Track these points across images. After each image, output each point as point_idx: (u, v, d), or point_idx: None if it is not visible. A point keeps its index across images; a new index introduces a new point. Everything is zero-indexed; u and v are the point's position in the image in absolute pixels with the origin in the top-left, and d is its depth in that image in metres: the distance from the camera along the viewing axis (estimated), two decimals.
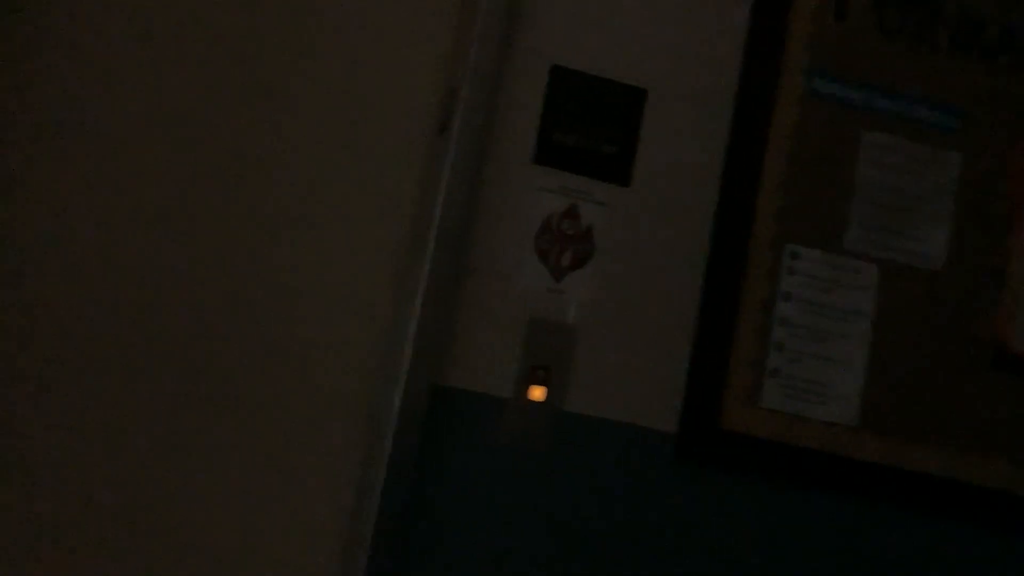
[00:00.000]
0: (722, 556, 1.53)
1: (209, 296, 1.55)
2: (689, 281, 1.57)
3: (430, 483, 1.45)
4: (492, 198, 1.52)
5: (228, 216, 1.57)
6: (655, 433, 1.53)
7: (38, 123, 1.53)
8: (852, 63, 1.65)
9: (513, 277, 1.52)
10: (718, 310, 1.55)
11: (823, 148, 1.62)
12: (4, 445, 1.48)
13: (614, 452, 1.52)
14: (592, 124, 1.56)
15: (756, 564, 1.54)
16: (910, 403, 1.60)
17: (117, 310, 1.53)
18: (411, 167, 1.62)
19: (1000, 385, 1.64)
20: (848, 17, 1.65)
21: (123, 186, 1.55)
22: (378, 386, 1.56)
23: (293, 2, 1.62)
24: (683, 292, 1.56)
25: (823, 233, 1.60)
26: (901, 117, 1.65)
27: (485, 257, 1.51)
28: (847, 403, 1.58)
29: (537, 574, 1.47)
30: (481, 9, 1.51)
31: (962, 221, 1.66)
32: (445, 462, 1.46)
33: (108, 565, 1.49)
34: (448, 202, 1.48)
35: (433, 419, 1.46)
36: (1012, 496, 1.61)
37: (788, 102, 1.61)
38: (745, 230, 1.57)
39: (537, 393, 1.49)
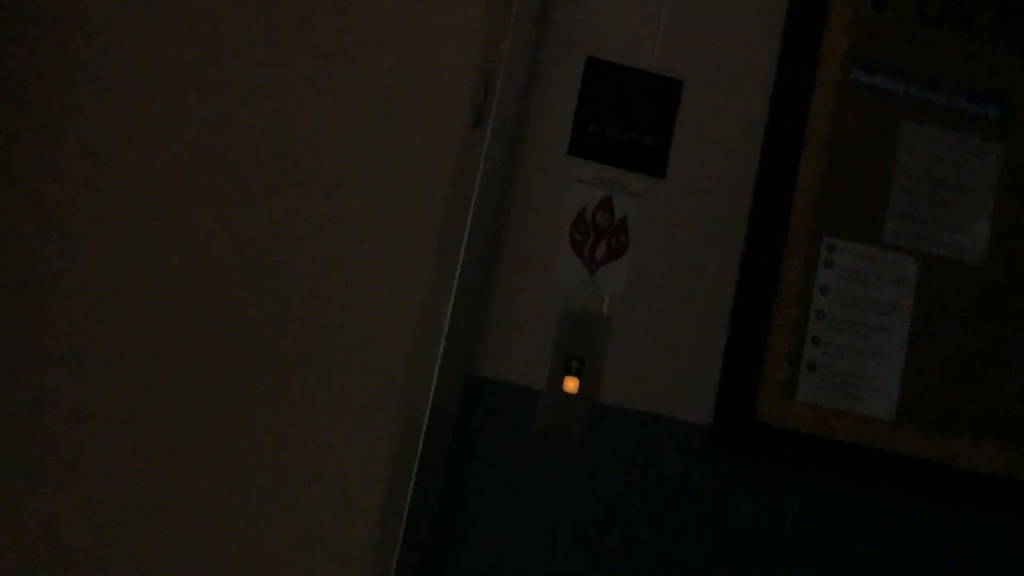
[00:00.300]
0: (757, 549, 1.52)
1: (244, 289, 1.56)
2: (725, 273, 1.56)
3: (463, 473, 1.45)
4: (526, 189, 1.52)
5: (263, 210, 1.58)
6: (690, 425, 1.52)
7: (72, 122, 1.55)
8: (892, 53, 1.63)
9: (547, 269, 1.51)
10: (754, 302, 1.53)
11: (862, 139, 1.60)
12: (36, 445, 1.50)
13: (649, 444, 1.51)
14: (627, 115, 1.55)
15: (791, 557, 1.53)
16: (949, 397, 1.58)
17: (150, 308, 1.54)
18: (446, 159, 1.62)
19: None
20: (888, 6, 1.63)
21: (160, 177, 1.56)
22: (412, 377, 1.56)
23: None
24: (718, 284, 1.55)
25: (861, 225, 1.59)
26: (942, 107, 1.63)
27: (520, 248, 1.51)
28: (885, 397, 1.56)
29: (571, 566, 1.47)
30: (516, 1, 1.51)
31: (1003, 213, 1.63)
32: (478, 453, 1.46)
33: (137, 565, 1.50)
34: (482, 194, 1.48)
35: (467, 410, 1.46)
36: None
37: (826, 92, 1.59)
38: (782, 222, 1.56)
39: (571, 385, 1.49)
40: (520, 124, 1.51)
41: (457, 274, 1.46)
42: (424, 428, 1.43)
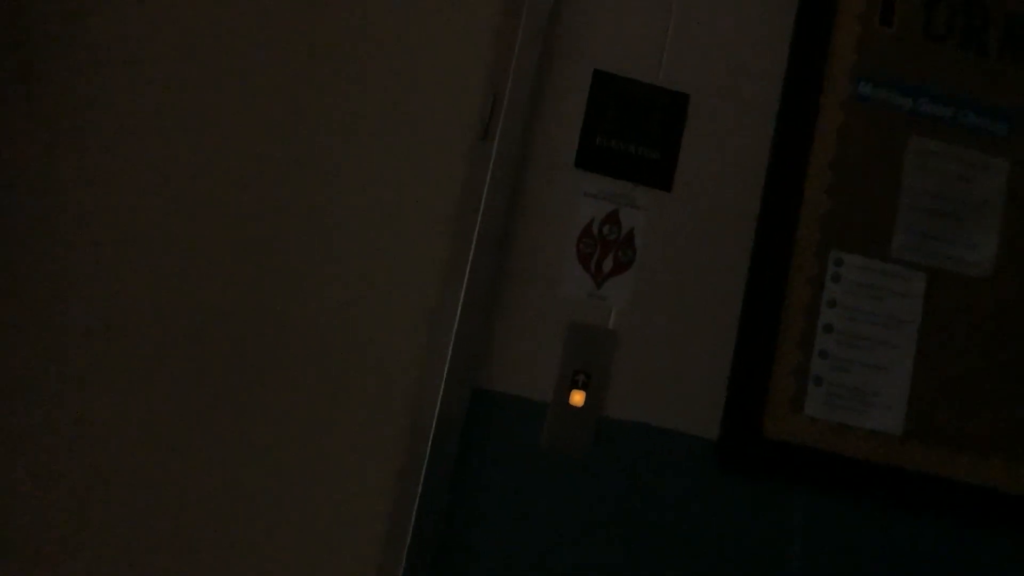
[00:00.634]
0: (763, 564, 1.51)
1: (251, 300, 1.56)
2: (731, 287, 1.56)
3: (469, 486, 1.45)
4: (534, 202, 1.52)
5: (272, 222, 1.58)
6: (697, 440, 1.52)
7: (92, 127, 1.55)
8: (898, 68, 1.63)
9: (554, 282, 1.51)
10: (761, 316, 1.53)
11: (869, 153, 1.60)
12: (52, 444, 1.50)
13: (655, 458, 1.50)
14: (634, 129, 1.55)
15: (797, 572, 1.52)
16: (957, 413, 1.58)
17: (160, 317, 1.54)
18: (454, 172, 1.62)
19: None
20: (895, 21, 1.63)
21: (174, 193, 1.56)
22: (419, 389, 1.55)
23: (337, 11, 1.63)
24: (725, 298, 1.55)
25: (869, 240, 1.58)
26: (949, 122, 1.63)
27: (526, 261, 1.51)
28: (892, 412, 1.56)
29: None
30: (524, 15, 1.51)
31: (1011, 228, 1.63)
32: (484, 465, 1.46)
33: (148, 566, 1.50)
34: (489, 206, 1.48)
35: (473, 422, 1.46)
36: None
37: (833, 107, 1.59)
38: (789, 236, 1.56)
39: (577, 398, 1.49)
40: (527, 137, 1.52)
41: (464, 287, 1.46)
42: (430, 440, 1.42)
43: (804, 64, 1.59)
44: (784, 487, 1.53)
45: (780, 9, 1.61)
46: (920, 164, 1.61)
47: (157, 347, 1.53)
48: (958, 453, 1.57)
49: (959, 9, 1.65)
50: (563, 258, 1.52)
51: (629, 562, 1.48)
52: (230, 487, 1.53)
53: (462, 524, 1.44)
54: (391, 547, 1.49)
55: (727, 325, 1.55)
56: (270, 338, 1.56)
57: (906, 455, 1.56)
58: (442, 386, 1.44)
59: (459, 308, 1.46)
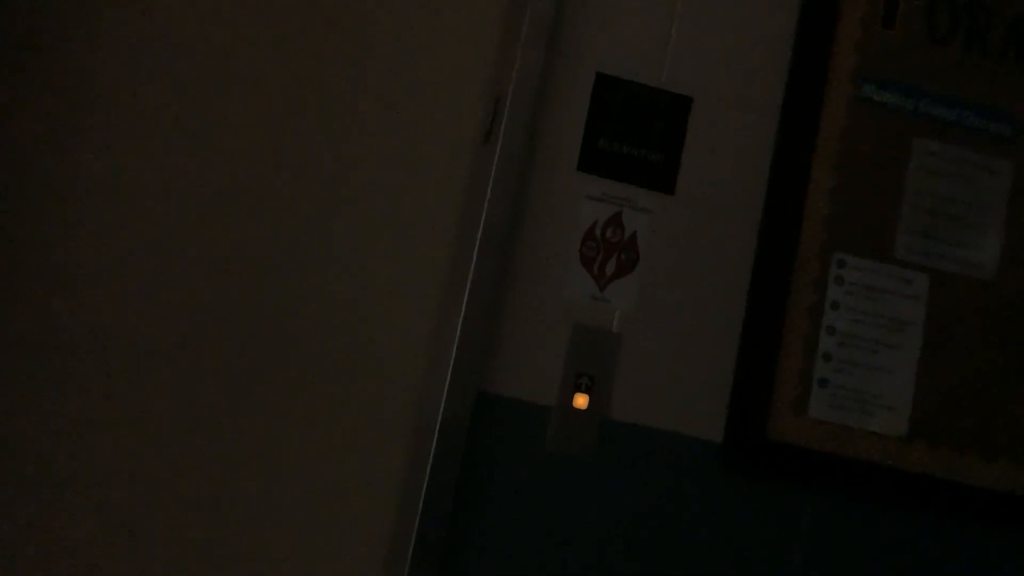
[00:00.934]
0: (768, 566, 1.51)
1: (253, 303, 1.57)
2: (735, 289, 1.56)
3: (473, 489, 1.45)
4: (536, 205, 1.52)
5: (275, 225, 1.58)
6: (701, 442, 1.52)
7: (92, 128, 1.56)
8: (901, 70, 1.63)
9: (557, 285, 1.51)
10: (764, 319, 1.53)
11: (872, 155, 1.60)
12: (53, 446, 1.50)
13: (659, 461, 1.50)
14: (637, 132, 1.56)
15: (802, 574, 1.52)
16: (962, 414, 1.57)
17: (163, 318, 1.54)
18: (456, 175, 1.62)
19: None
20: (897, 24, 1.63)
21: (175, 197, 1.57)
22: (423, 393, 1.56)
23: (338, 11, 1.63)
24: (729, 300, 1.55)
25: (872, 242, 1.58)
26: (952, 124, 1.63)
27: (530, 264, 1.51)
28: (897, 413, 1.56)
29: None
30: (526, 18, 1.52)
31: (1014, 230, 1.63)
32: (488, 468, 1.46)
33: (151, 570, 1.50)
34: (492, 210, 1.48)
35: (477, 426, 1.46)
36: None
37: (836, 109, 1.59)
38: (792, 238, 1.56)
39: (581, 401, 1.49)
40: (530, 140, 1.52)
41: (467, 290, 1.46)
42: (434, 444, 1.42)
43: (807, 66, 1.59)
44: (788, 489, 1.53)
45: (782, 12, 1.62)
46: (923, 166, 1.61)
47: (158, 350, 1.54)
48: (962, 454, 1.57)
49: (961, 11, 1.65)
50: (566, 261, 1.52)
51: (634, 565, 1.48)
52: (232, 490, 1.53)
53: (466, 527, 1.44)
54: (396, 551, 1.49)
55: (731, 327, 1.55)
56: (273, 341, 1.56)
57: (910, 457, 1.56)
58: (446, 389, 1.44)
59: (463, 311, 1.46)
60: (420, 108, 1.64)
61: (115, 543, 1.50)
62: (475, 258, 1.47)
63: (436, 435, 1.43)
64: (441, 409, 1.43)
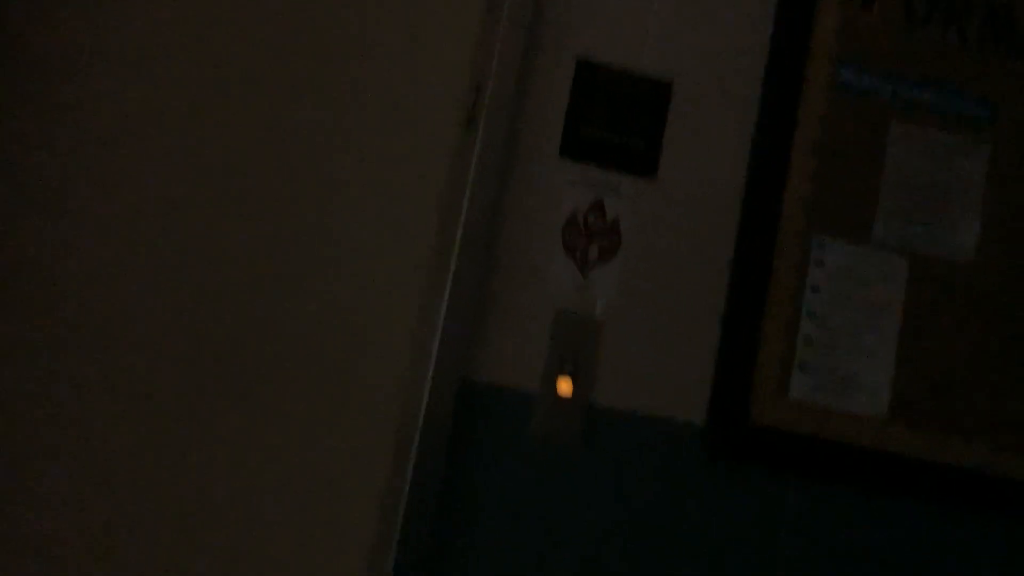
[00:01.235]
0: (753, 549, 1.52)
1: (236, 293, 1.56)
2: (716, 274, 1.56)
3: (458, 479, 1.45)
4: (518, 192, 1.52)
5: (254, 213, 1.57)
6: (684, 427, 1.52)
7: (86, 123, 1.54)
8: (880, 53, 1.63)
9: (540, 271, 1.51)
10: (746, 303, 1.54)
11: (851, 140, 1.61)
12: (51, 446, 1.49)
13: (643, 446, 1.51)
14: (618, 117, 1.55)
15: (787, 557, 1.53)
16: (942, 395, 1.59)
17: (147, 309, 1.53)
18: (438, 162, 1.62)
19: None
20: (876, 6, 1.64)
21: (157, 180, 1.55)
22: (406, 382, 1.56)
23: (319, 3, 1.62)
24: (711, 285, 1.56)
25: (851, 225, 1.59)
26: (930, 108, 1.64)
27: (512, 252, 1.51)
28: (877, 395, 1.57)
29: (568, 569, 1.47)
30: (507, 3, 1.51)
31: (993, 213, 1.65)
32: (473, 457, 1.46)
33: (135, 566, 1.49)
34: (474, 196, 1.48)
35: (461, 414, 1.46)
36: None
37: (815, 93, 1.60)
38: (772, 222, 1.56)
39: (565, 387, 1.49)
40: (512, 127, 1.51)
41: (450, 278, 1.46)
42: (419, 432, 1.42)
43: (786, 50, 1.59)
44: (772, 472, 1.54)
45: None
46: (902, 149, 1.62)
47: (143, 341, 1.53)
48: (943, 436, 1.58)
49: None
50: (549, 248, 1.52)
51: (620, 551, 1.49)
52: (213, 487, 1.53)
53: (452, 516, 1.44)
54: (381, 540, 1.49)
55: (713, 312, 1.55)
56: (253, 335, 1.56)
57: (891, 438, 1.57)
58: (430, 378, 1.43)
59: (445, 299, 1.45)
60: (401, 96, 1.63)
61: (105, 539, 1.49)
62: (457, 246, 1.47)
63: (421, 424, 1.42)
64: (425, 398, 1.43)
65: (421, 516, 1.41)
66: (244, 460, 1.54)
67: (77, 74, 1.55)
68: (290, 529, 1.54)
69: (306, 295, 1.58)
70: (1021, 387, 1.62)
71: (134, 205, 1.55)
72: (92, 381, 1.51)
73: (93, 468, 1.50)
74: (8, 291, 1.50)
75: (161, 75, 1.57)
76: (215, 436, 1.53)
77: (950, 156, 1.64)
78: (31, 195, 1.52)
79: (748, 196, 1.57)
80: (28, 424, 1.49)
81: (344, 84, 1.62)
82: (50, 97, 1.54)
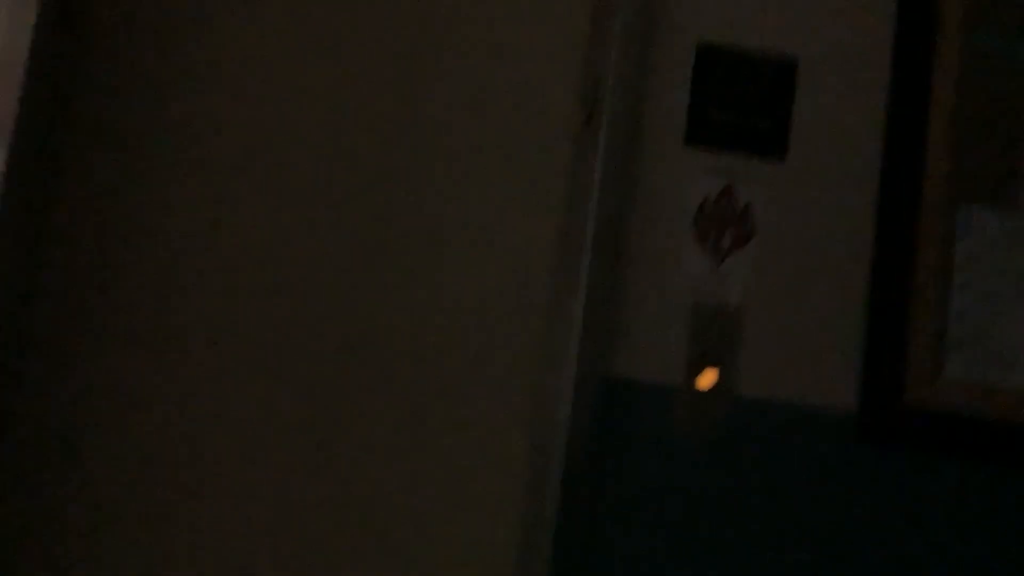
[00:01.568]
0: (908, 537, 1.46)
1: (373, 298, 1.56)
2: (858, 253, 1.51)
3: (606, 476, 1.42)
4: (646, 184, 1.49)
5: (382, 215, 1.58)
6: (835, 413, 1.47)
7: (180, 126, 1.56)
8: (1011, 14, 1.56)
9: (674, 263, 1.48)
10: (891, 281, 1.48)
11: (989, 104, 1.54)
12: (170, 450, 1.51)
13: (792, 435, 1.46)
14: (743, 100, 1.52)
15: (946, 545, 1.47)
16: None
17: (276, 312, 1.55)
18: (560, 159, 1.60)
19: None
20: None
21: (275, 191, 1.57)
22: (545, 383, 1.53)
23: (427, 5, 1.62)
24: (852, 265, 1.50)
25: (996, 193, 1.52)
26: None
27: (644, 245, 1.48)
28: None
29: (723, 569, 1.43)
30: None
31: None
32: (618, 453, 1.43)
33: (268, 566, 1.51)
34: (602, 190, 1.46)
35: (603, 411, 1.43)
36: None
37: (948, 59, 1.53)
38: (913, 195, 1.50)
39: (708, 379, 1.45)
40: (634, 118, 1.49)
41: (584, 276, 1.44)
42: (564, 433, 1.40)
43: (915, 19, 1.53)
44: (929, 456, 1.48)
45: None
46: None
47: (271, 351, 1.54)
48: None
49: None
50: (681, 239, 1.49)
51: (773, 541, 1.44)
52: (352, 495, 1.53)
53: (601, 513, 1.41)
54: (532, 545, 1.47)
55: (856, 292, 1.50)
56: (386, 337, 1.56)
57: None
58: (571, 378, 1.42)
59: (581, 297, 1.43)
60: (517, 96, 1.61)
61: (231, 544, 1.50)
62: (589, 242, 1.45)
63: (566, 423, 1.40)
64: (568, 397, 1.41)
65: (572, 517, 1.39)
66: (380, 465, 1.53)
67: (197, 84, 1.58)
68: (435, 545, 1.53)
69: (438, 306, 1.57)
70: None
71: (267, 204, 1.56)
72: (212, 381, 1.52)
73: (222, 472, 1.51)
74: (122, 297, 1.53)
75: (284, 76, 1.59)
76: (346, 440, 1.53)
77: None
78: (172, 194, 1.55)
79: (886, 170, 1.51)
80: (155, 426, 1.51)
81: (457, 88, 1.61)
82: (163, 105, 1.57)
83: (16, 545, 1.46)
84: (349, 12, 1.61)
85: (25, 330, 1.50)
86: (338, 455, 1.53)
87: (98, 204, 1.54)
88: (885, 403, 1.46)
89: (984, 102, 1.54)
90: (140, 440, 1.50)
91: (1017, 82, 1.55)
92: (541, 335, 1.56)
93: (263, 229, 1.56)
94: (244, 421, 1.52)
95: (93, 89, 1.55)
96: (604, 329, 1.44)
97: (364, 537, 1.53)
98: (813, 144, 1.52)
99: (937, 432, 1.48)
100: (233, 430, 1.52)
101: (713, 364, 1.46)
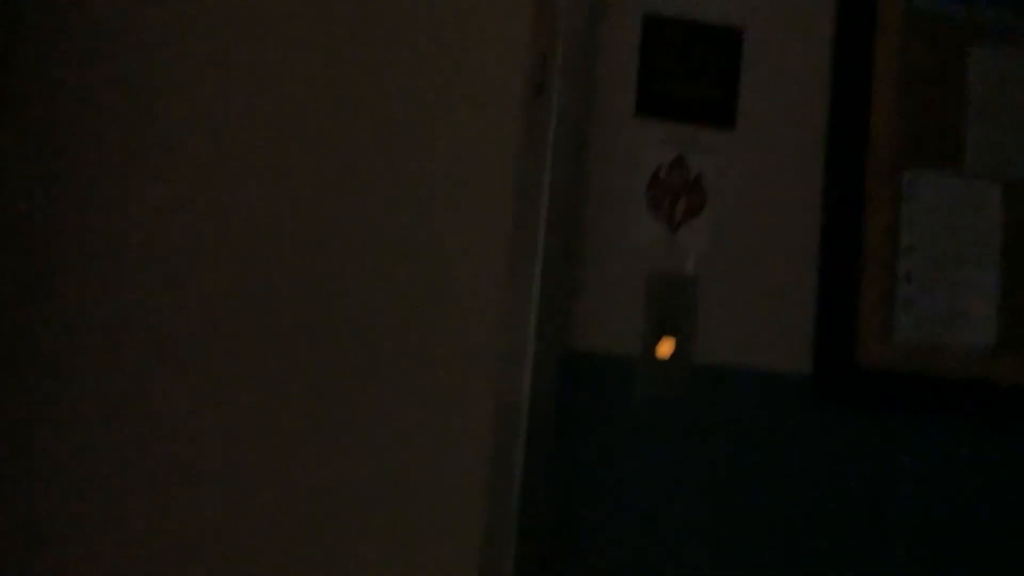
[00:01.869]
0: (870, 493, 1.50)
1: (324, 278, 1.55)
2: (807, 218, 1.53)
3: (568, 447, 1.43)
4: (598, 154, 1.50)
5: (334, 196, 1.56)
6: (790, 376, 1.50)
7: (160, 116, 1.54)
8: None
9: (628, 233, 1.49)
10: (841, 245, 1.51)
11: (931, 68, 1.57)
12: (157, 447, 1.49)
13: (750, 399, 1.49)
14: (691, 71, 1.53)
15: (902, 499, 1.51)
16: None
17: (239, 302, 1.53)
18: (510, 132, 1.59)
19: None
20: None
21: (230, 171, 1.55)
22: (506, 357, 1.53)
23: None
24: (803, 230, 1.53)
25: (940, 157, 1.55)
26: (1008, 29, 1.59)
27: (598, 216, 1.48)
28: (983, 327, 1.54)
29: (686, 533, 1.45)
30: None
31: None
32: (580, 425, 1.44)
33: (242, 564, 1.50)
34: (555, 163, 1.46)
35: (563, 383, 1.44)
36: None
37: (890, 24, 1.56)
38: (859, 161, 1.53)
39: (666, 348, 1.47)
40: (583, 90, 1.49)
41: (539, 248, 1.44)
42: (527, 406, 1.41)
43: None
44: (882, 414, 1.51)
45: None
46: (984, 73, 1.58)
47: (238, 326, 1.52)
48: None
49: None
50: (635, 209, 1.49)
51: (734, 505, 1.46)
52: (313, 479, 1.52)
53: (565, 484, 1.43)
54: (498, 519, 1.47)
55: (807, 258, 1.52)
56: (343, 318, 1.54)
57: (1000, 369, 1.54)
58: (530, 353, 1.42)
59: (537, 272, 1.44)
60: (467, 69, 1.60)
61: (208, 532, 1.49)
62: (543, 215, 1.45)
63: (527, 398, 1.41)
64: (529, 371, 1.41)
65: (536, 488, 1.40)
66: (343, 448, 1.53)
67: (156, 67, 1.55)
68: (399, 528, 1.53)
69: (391, 283, 1.56)
70: None
71: (213, 186, 1.54)
72: (185, 373, 1.51)
73: (185, 463, 1.50)
74: (110, 296, 1.50)
75: (233, 60, 1.56)
76: (310, 421, 1.52)
77: None
78: (147, 190, 1.52)
79: (831, 136, 1.53)
80: (134, 426, 1.49)
81: (403, 62, 1.59)
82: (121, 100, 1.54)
83: (16, 545, 1.43)
84: None
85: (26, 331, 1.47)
86: (299, 433, 1.52)
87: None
88: (839, 364, 1.49)
89: (925, 67, 1.56)
90: (130, 435, 1.48)
91: (957, 45, 1.58)
92: (498, 310, 1.56)
93: (213, 208, 1.54)
94: (212, 414, 1.51)
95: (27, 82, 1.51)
96: (561, 303, 1.45)
97: (325, 512, 1.52)
98: (761, 113, 1.54)
99: (890, 390, 1.51)
100: (203, 426, 1.50)
101: (670, 333, 1.48)
